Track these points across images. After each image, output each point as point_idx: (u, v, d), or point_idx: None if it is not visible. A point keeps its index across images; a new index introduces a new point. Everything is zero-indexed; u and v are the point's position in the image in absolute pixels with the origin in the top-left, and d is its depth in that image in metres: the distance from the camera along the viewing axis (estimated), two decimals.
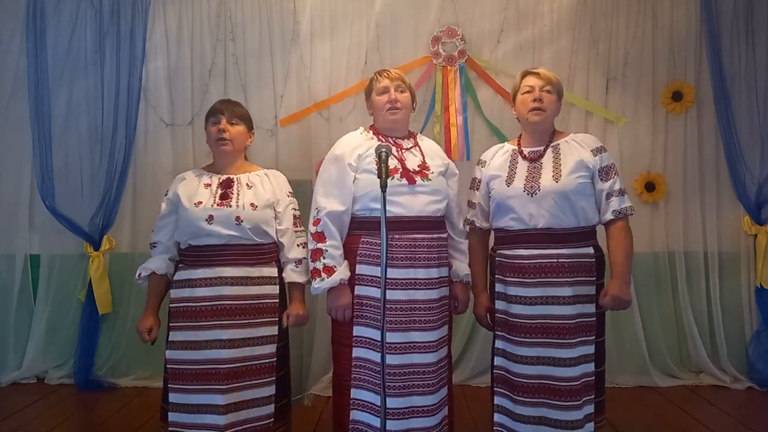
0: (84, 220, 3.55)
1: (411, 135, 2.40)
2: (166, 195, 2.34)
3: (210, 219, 2.20)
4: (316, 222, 2.23)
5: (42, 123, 3.55)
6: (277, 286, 2.31)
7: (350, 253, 2.24)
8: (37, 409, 3.19)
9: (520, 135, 2.41)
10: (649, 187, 3.59)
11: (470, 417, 3.02)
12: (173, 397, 2.18)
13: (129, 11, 3.54)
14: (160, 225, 2.32)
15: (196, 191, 2.28)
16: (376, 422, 2.14)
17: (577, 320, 2.18)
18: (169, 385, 2.19)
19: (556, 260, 2.19)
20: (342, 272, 2.19)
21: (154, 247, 2.32)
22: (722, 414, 3.10)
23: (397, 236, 2.18)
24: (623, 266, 2.22)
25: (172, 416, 2.17)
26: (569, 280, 2.18)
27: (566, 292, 2.18)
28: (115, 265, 3.61)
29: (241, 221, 2.22)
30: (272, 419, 2.24)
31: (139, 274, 2.30)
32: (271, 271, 2.30)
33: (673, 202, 3.63)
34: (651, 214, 3.63)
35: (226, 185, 2.30)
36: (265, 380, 2.24)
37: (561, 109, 2.39)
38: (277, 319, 2.30)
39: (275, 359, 2.27)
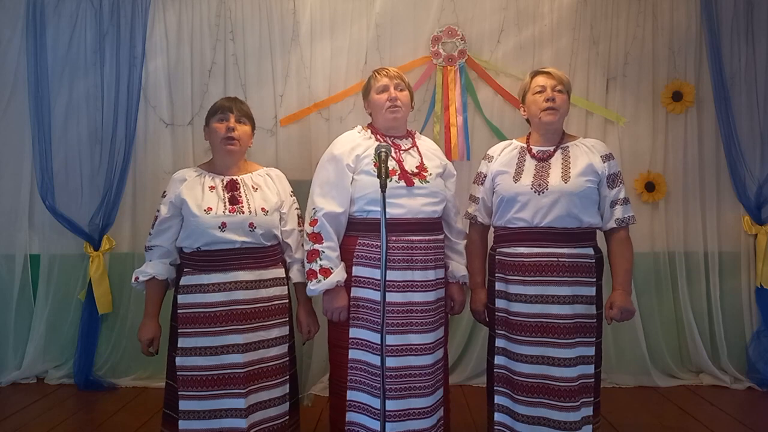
0: (84, 220, 3.55)
1: (409, 134, 2.39)
2: (164, 196, 2.25)
3: (223, 226, 2.15)
4: (313, 222, 2.21)
5: (42, 123, 3.54)
6: (286, 287, 2.32)
7: (347, 255, 2.23)
8: (37, 409, 3.19)
9: (529, 134, 2.40)
10: (649, 187, 3.59)
11: (470, 417, 3.03)
12: (184, 405, 2.12)
13: (129, 11, 3.54)
14: (160, 229, 2.22)
15: (202, 195, 2.20)
16: (371, 424, 2.14)
17: (575, 320, 2.18)
18: (180, 393, 2.13)
19: (556, 260, 2.19)
20: (339, 274, 2.18)
21: (150, 250, 2.24)
22: (722, 414, 3.10)
23: (394, 238, 2.17)
24: (626, 277, 2.24)
25: (183, 424, 2.11)
26: (568, 279, 2.18)
27: (565, 291, 2.18)
28: (115, 265, 3.61)
29: (255, 228, 2.20)
30: (287, 417, 2.26)
31: (136, 278, 2.22)
32: (280, 273, 2.30)
33: (673, 202, 3.63)
34: (651, 214, 3.63)
35: (232, 187, 2.24)
36: (279, 380, 2.24)
37: None
38: (287, 319, 2.30)
39: (287, 359, 2.28)
